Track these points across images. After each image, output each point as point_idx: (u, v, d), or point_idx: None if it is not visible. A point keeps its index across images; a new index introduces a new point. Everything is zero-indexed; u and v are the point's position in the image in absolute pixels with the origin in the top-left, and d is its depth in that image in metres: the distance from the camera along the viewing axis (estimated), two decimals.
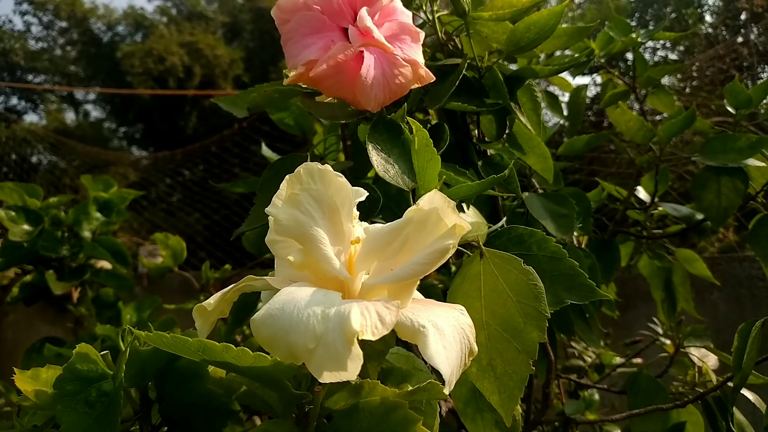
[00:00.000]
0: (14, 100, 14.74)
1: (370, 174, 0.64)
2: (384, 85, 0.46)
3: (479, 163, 0.64)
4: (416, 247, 0.31)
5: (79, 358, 0.32)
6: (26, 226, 0.92)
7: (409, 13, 0.50)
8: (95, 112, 15.27)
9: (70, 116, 15.02)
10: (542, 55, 0.83)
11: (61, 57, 14.82)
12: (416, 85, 0.49)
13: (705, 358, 0.88)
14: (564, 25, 0.67)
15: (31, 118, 14.47)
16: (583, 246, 1.01)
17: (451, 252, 0.30)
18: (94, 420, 0.31)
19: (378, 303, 0.27)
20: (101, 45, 14.41)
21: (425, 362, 0.48)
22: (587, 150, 0.88)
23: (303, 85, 0.52)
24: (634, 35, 0.96)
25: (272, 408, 0.33)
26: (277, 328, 0.27)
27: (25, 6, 14.38)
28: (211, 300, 0.31)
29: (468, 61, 0.64)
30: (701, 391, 0.73)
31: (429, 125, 0.61)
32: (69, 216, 1.07)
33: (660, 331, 1.04)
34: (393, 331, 0.36)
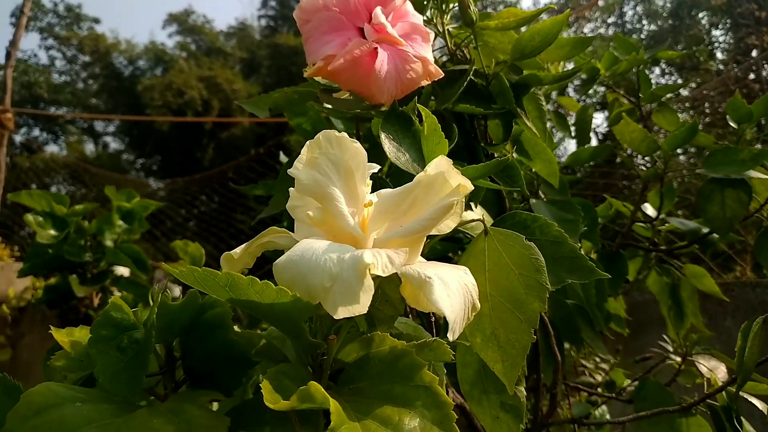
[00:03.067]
0: (36, 132, 15.15)
1: (384, 170, 0.67)
2: (396, 79, 0.49)
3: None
4: (424, 207, 0.34)
5: (114, 308, 0.35)
6: (53, 231, 0.96)
7: (420, 17, 0.54)
8: (114, 144, 15.63)
9: (89, 147, 15.38)
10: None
11: (83, 90, 15.28)
12: (426, 82, 0.53)
13: (714, 369, 0.88)
14: (566, 36, 0.70)
15: (52, 148, 14.82)
16: (591, 255, 1.03)
17: (455, 209, 0.33)
18: (125, 364, 0.33)
19: (388, 249, 0.30)
20: (122, 78, 14.85)
21: (432, 335, 0.50)
22: (592, 160, 0.91)
23: (321, 82, 0.56)
24: (637, 54, 1.00)
25: (289, 360, 0.36)
26: (297, 271, 0.30)
27: (50, 41, 14.92)
28: (237, 250, 0.33)
29: (475, 68, 0.68)
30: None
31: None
32: (93, 225, 1.11)
33: (670, 349, 1.04)
34: (402, 298, 0.39)
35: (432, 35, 0.53)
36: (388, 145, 0.49)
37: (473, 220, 0.48)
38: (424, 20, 0.71)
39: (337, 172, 0.33)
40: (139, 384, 0.32)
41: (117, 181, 7.04)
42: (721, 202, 0.90)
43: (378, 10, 0.47)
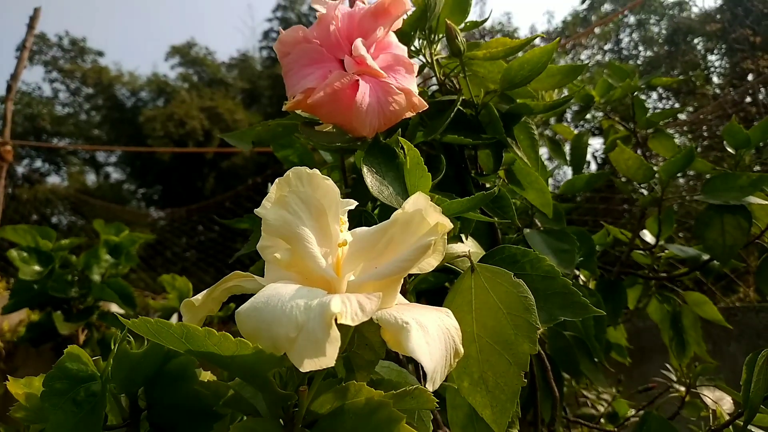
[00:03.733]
0: (38, 163, 15.24)
1: (369, 205, 0.65)
2: (379, 112, 0.48)
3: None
4: (401, 246, 0.32)
5: (69, 358, 0.32)
6: (37, 267, 0.94)
7: (404, 48, 0.53)
8: (116, 174, 15.70)
9: (91, 178, 15.45)
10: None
11: (85, 121, 15.43)
12: (410, 114, 0.51)
13: (719, 401, 0.85)
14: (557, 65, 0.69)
15: (53, 179, 14.90)
16: (590, 284, 1.00)
17: (432, 249, 0.31)
18: (79, 420, 0.31)
19: (359, 294, 0.28)
20: (125, 110, 15.01)
21: (419, 379, 0.47)
22: (588, 188, 0.89)
23: (303, 114, 0.54)
24: (631, 81, 0.99)
25: (259, 412, 0.33)
26: (261, 320, 0.27)
27: (54, 74, 15.13)
28: (199, 296, 0.31)
29: (464, 98, 0.67)
30: None
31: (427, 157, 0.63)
32: (80, 260, 1.09)
33: (674, 378, 1.01)
34: (383, 341, 0.37)
35: (417, 66, 0.52)
36: (370, 179, 0.47)
37: (459, 256, 0.46)
38: (412, 50, 0.70)
39: (308, 211, 0.31)
40: None
41: (116, 212, 7.06)
42: (721, 229, 0.88)
43: (358, 42, 0.46)
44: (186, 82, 15.27)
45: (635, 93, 1.02)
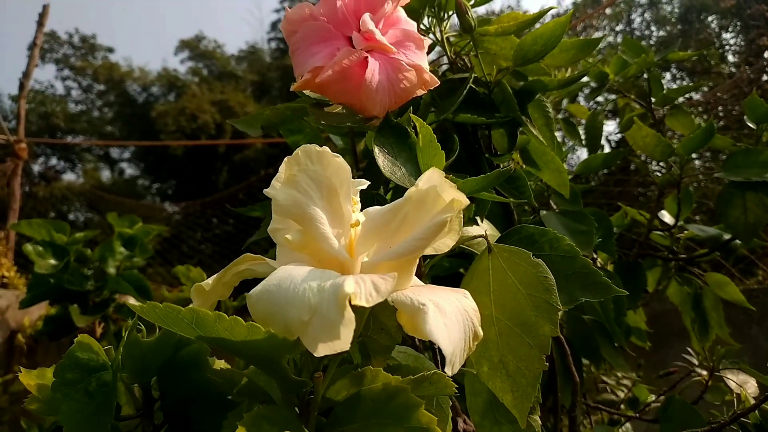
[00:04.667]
0: (54, 161, 15.41)
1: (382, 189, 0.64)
2: (389, 90, 0.46)
3: None
4: (415, 225, 0.30)
5: (80, 347, 0.32)
6: (53, 261, 0.95)
7: (413, 23, 0.51)
8: (130, 170, 15.83)
9: (106, 174, 15.59)
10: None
11: (98, 118, 15.54)
12: (422, 91, 0.50)
13: (744, 384, 0.83)
14: (570, 39, 0.67)
15: (69, 177, 15.07)
16: (608, 267, 0.98)
17: (449, 228, 0.29)
18: (92, 410, 0.30)
19: (374, 275, 0.27)
20: (136, 105, 15.09)
21: (437, 365, 0.46)
22: (605, 167, 0.87)
23: (312, 96, 0.53)
24: (647, 57, 0.96)
25: (273, 400, 0.32)
26: (273, 303, 0.26)
27: (66, 71, 15.24)
28: (210, 280, 0.30)
29: (476, 76, 0.65)
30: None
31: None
32: (95, 253, 1.09)
33: (695, 362, 0.99)
34: (399, 326, 0.36)
35: (428, 42, 0.50)
36: (382, 160, 0.45)
37: (475, 237, 0.44)
38: (422, 29, 0.68)
39: (319, 191, 0.30)
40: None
41: (131, 207, 7.13)
42: (743, 207, 0.86)
43: (366, 16, 0.44)
44: (196, 76, 15.30)
45: (651, 69, 0.99)
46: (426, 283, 0.39)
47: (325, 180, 0.30)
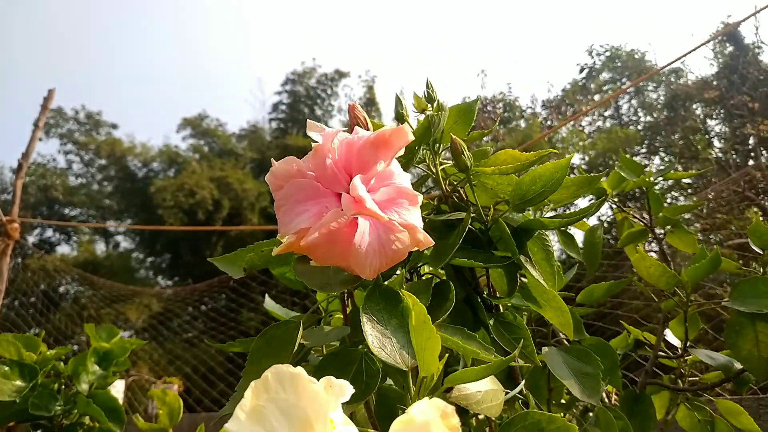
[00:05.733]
0: (49, 232, 15.36)
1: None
2: (380, 252, 0.43)
3: (491, 321, 0.60)
4: None
5: None
6: (19, 382, 0.88)
7: (407, 175, 0.49)
8: (125, 243, 15.75)
9: (100, 247, 15.51)
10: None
11: (97, 191, 15.68)
12: (414, 249, 0.46)
13: None
14: (572, 176, 0.65)
15: (63, 248, 15.00)
16: (612, 397, 0.92)
17: None
18: None
19: None
20: (136, 180, 15.27)
21: None
22: (607, 296, 0.83)
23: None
24: (645, 176, 0.95)
25: None
26: None
27: (69, 146, 15.54)
28: None
29: (472, 215, 0.62)
30: None
31: (434, 280, 0.58)
32: (68, 366, 1.02)
33: None
34: None
35: (420, 198, 0.47)
36: (370, 332, 0.41)
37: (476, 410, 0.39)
38: (416, 160, 0.67)
39: (289, 426, 0.26)
40: None
41: (120, 291, 7.04)
42: (755, 339, 0.81)
43: (357, 180, 0.41)
44: (197, 153, 15.59)
45: (649, 189, 0.98)
46: None
47: (299, 412, 0.26)
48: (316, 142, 0.46)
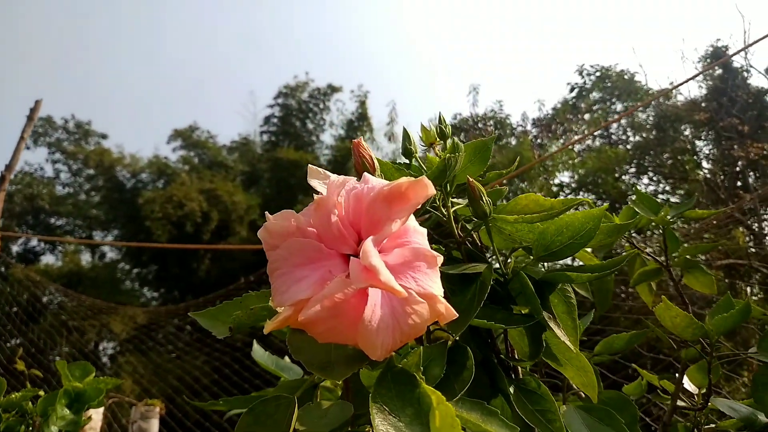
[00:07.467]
0: (34, 242, 15.09)
1: None
2: (394, 328, 0.36)
3: (510, 389, 0.53)
4: None
5: None
6: None
7: (424, 231, 0.42)
8: (111, 254, 15.51)
9: (86, 257, 15.27)
10: None
11: (84, 201, 15.46)
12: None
13: None
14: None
15: (48, 258, 14.74)
16: None
17: None
18: None
19: None
20: (124, 191, 15.07)
21: None
22: (627, 348, 0.77)
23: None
24: (663, 213, 0.89)
25: None
26: None
27: (57, 155, 15.34)
28: None
29: (490, 263, 0.56)
30: None
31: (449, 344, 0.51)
32: (38, 406, 0.94)
33: None
34: None
35: (440, 259, 0.40)
36: (381, 425, 0.34)
37: None
38: (428, 204, 0.60)
39: None
40: None
41: (101, 307, 6.90)
42: None
43: (369, 244, 0.35)
44: (187, 165, 15.44)
45: (666, 227, 0.92)
46: None
47: None
48: (319, 193, 0.39)
